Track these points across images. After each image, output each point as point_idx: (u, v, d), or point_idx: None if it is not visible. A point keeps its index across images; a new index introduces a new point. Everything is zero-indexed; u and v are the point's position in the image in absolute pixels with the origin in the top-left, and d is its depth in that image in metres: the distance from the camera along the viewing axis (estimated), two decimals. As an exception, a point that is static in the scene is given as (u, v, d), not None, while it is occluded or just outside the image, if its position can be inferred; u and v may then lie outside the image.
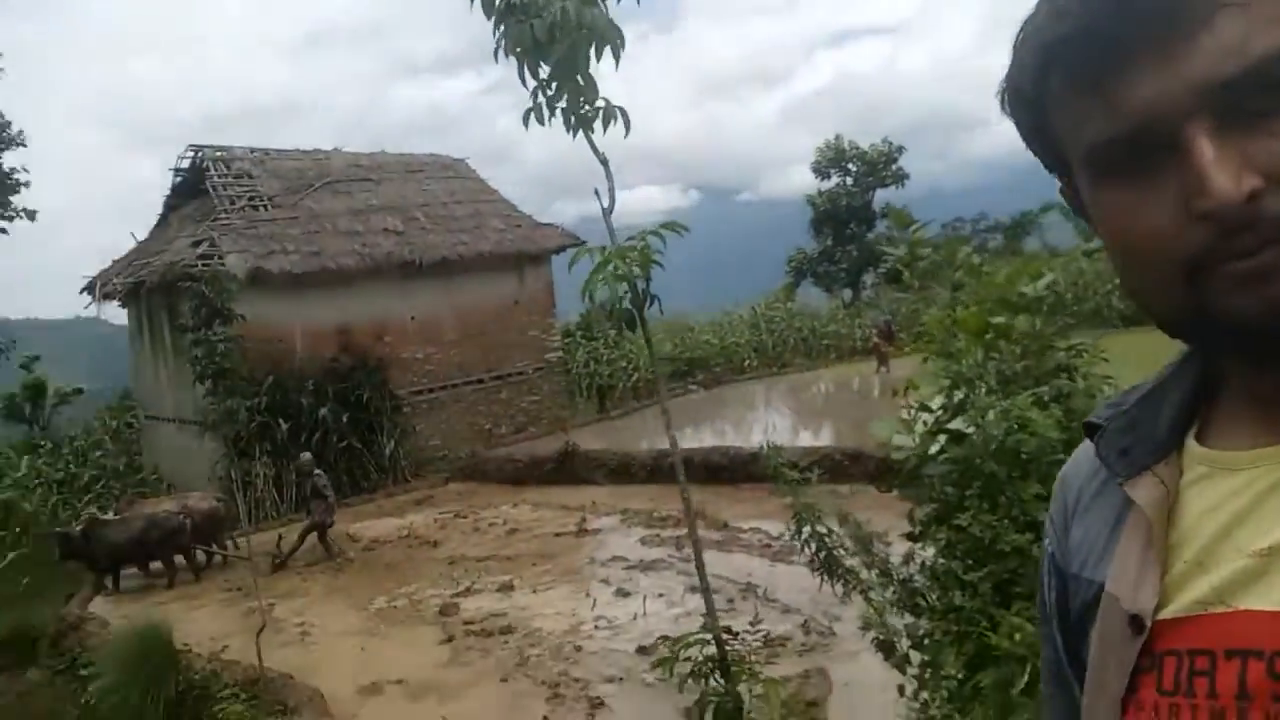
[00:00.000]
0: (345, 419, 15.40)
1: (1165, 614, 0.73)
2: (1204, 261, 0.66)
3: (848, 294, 31.77)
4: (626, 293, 2.50)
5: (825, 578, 4.10)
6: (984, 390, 3.20)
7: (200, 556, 12.00)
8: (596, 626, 8.19)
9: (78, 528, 11.67)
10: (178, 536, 11.64)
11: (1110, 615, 0.76)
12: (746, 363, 23.39)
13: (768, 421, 17.01)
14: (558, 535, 11.43)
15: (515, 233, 18.72)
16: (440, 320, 17.30)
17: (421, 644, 8.52)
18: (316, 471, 11.91)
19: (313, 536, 11.70)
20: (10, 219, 21.53)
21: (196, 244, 15.29)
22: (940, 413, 3.41)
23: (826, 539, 4.04)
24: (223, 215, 15.96)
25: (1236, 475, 0.73)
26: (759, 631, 7.51)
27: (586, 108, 2.39)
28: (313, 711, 7.45)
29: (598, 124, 2.49)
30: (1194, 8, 0.64)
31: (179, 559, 11.78)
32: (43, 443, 16.67)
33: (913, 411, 3.49)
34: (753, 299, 28.23)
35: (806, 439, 14.77)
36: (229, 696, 7.93)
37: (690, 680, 3.03)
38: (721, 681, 2.92)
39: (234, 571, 11.65)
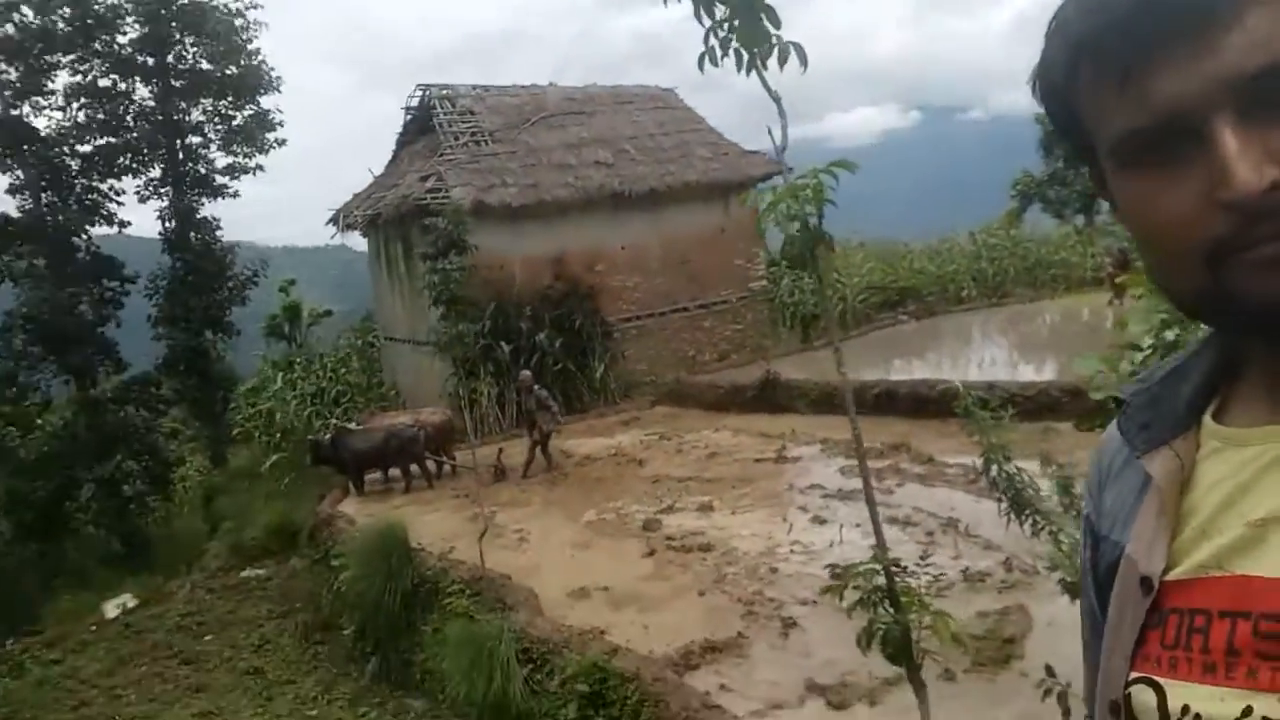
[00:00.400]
0: (560, 344, 16.23)
1: (1171, 576, 0.79)
2: (1225, 248, 0.70)
3: (1079, 220, 29.50)
4: (799, 231, 2.56)
5: (1014, 517, 4.04)
6: (1199, 332, 3.02)
7: (432, 465, 13.11)
8: (792, 550, 8.35)
9: (327, 436, 13.01)
10: (413, 446, 12.78)
11: (1127, 575, 0.83)
12: (964, 293, 22.39)
13: (983, 355, 16.34)
14: (757, 461, 11.62)
15: (722, 161, 18.71)
16: (648, 250, 17.70)
17: (626, 555, 8.97)
18: (536, 386, 12.69)
19: (540, 448, 12.51)
20: (266, 153, 23.80)
21: (425, 179, 16.38)
22: (1149, 352, 3.26)
23: (1016, 479, 3.97)
24: (448, 151, 16.97)
25: (1245, 450, 0.77)
26: (959, 566, 7.41)
27: (759, 48, 2.43)
28: (528, 610, 8.11)
29: (772, 61, 2.53)
30: (1222, 3, 0.67)
31: (414, 467, 12.94)
32: (298, 360, 18.56)
33: (1121, 349, 3.35)
34: (974, 225, 26.80)
35: (1027, 374, 14.09)
36: (455, 592, 8.77)
37: (859, 608, 3.12)
38: (890, 610, 3.00)
39: (461, 480, 12.67)
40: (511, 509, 11.21)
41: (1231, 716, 0.72)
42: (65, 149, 21.28)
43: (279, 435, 15.70)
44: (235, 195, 23.68)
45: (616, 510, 10.47)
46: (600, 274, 17.22)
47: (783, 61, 2.50)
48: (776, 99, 2.55)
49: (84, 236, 21.01)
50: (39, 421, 18.45)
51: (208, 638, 10.60)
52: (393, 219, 17.00)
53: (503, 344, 15.81)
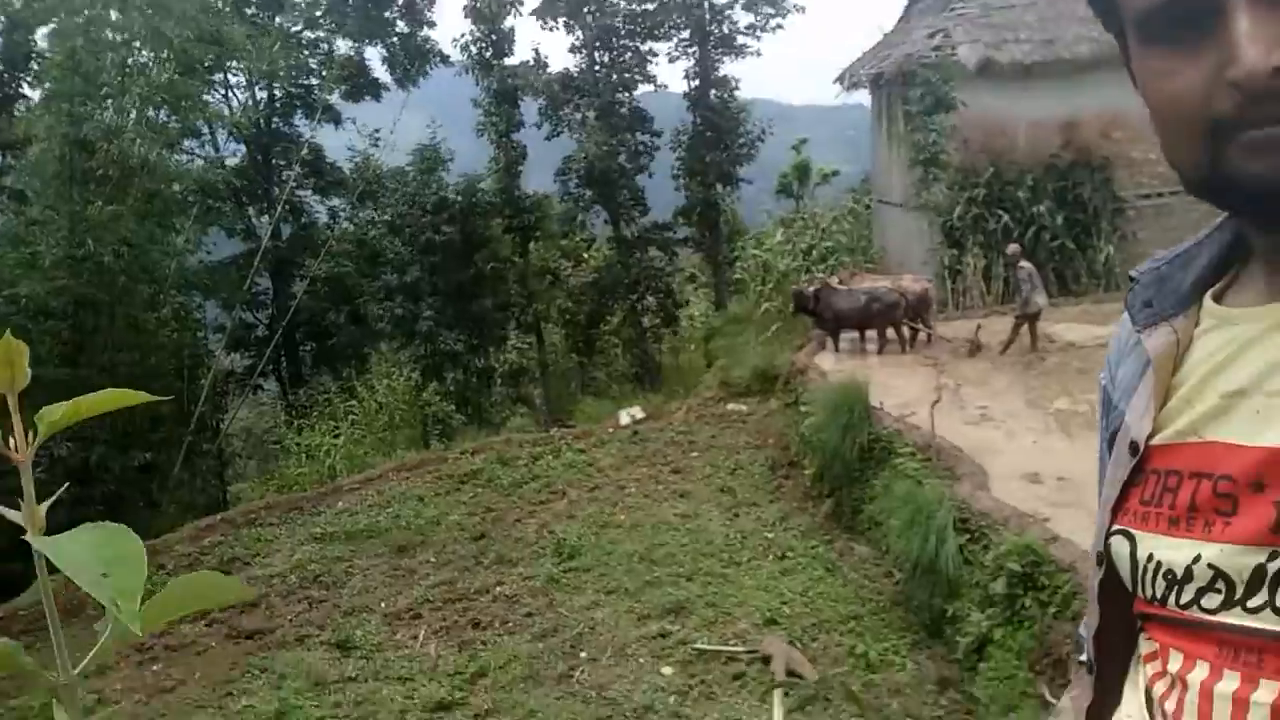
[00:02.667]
0: (1061, 219, 15.17)
1: (1156, 441, 0.88)
2: (1227, 125, 0.73)
3: None
4: None
5: None
6: None
7: (908, 332, 13.38)
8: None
9: (811, 289, 13.83)
10: (892, 312, 13.12)
11: (1122, 439, 0.91)
12: None
13: None
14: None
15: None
16: (1181, 116, 15.49)
17: (1092, 449, 8.61)
18: (1024, 262, 12.20)
19: (1025, 327, 12.15)
20: (785, 15, 24.65)
21: (931, 35, 15.90)
22: None
23: None
24: (959, 5, 16.21)
25: (1234, 328, 0.84)
26: None
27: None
28: (972, 483, 8.32)
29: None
30: None
31: (890, 331, 13.34)
32: (799, 216, 19.61)
33: None
34: None
35: None
36: (906, 454, 9.22)
37: None
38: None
39: (934, 350, 12.82)
40: (978, 385, 11.19)
41: (1184, 563, 0.81)
42: (617, 12, 24.05)
43: (771, 286, 16.99)
44: (757, 54, 25.03)
45: (1091, 403, 9.96)
46: (1117, 142, 15.51)
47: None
48: None
49: (626, 93, 23.88)
50: (585, 256, 22.02)
51: (694, 455, 12.33)
52: (894, 78, 16.85)
53: (997, 214, 15.22)
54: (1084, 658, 1.07)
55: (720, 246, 22.36)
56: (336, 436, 15.48)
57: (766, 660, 7.72)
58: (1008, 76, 15.31)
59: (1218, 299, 0.88)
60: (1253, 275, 0.86)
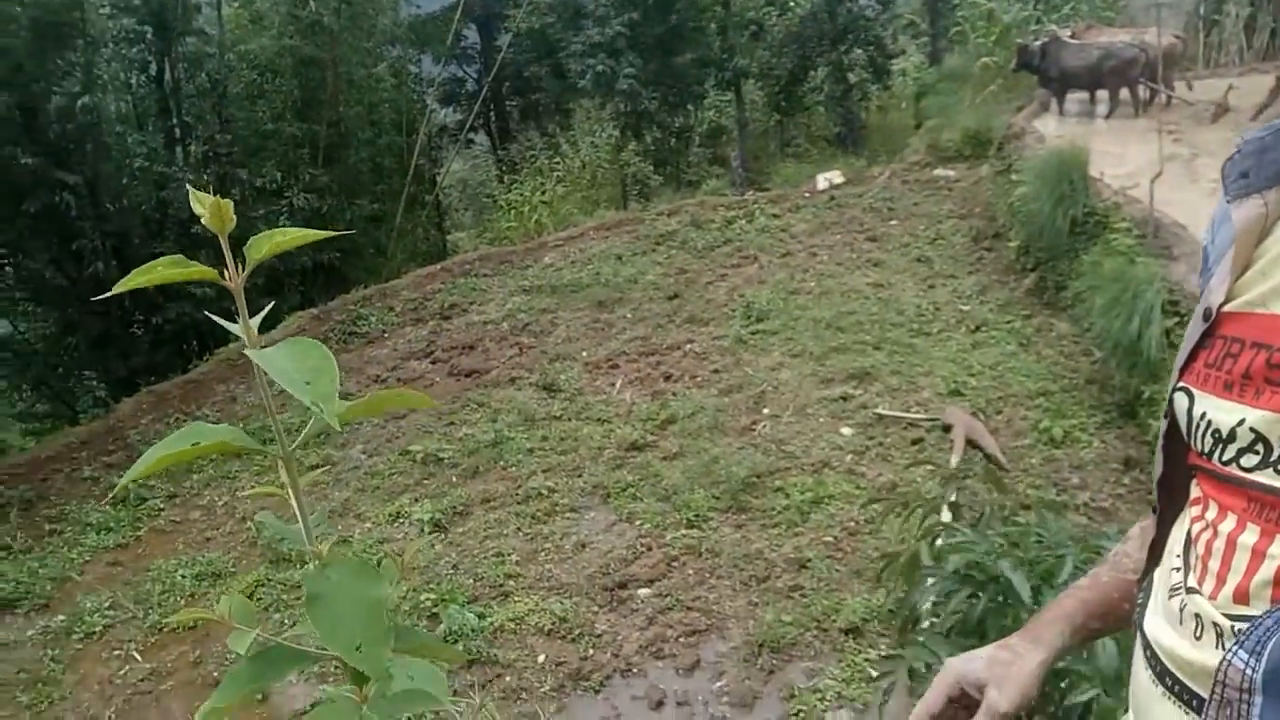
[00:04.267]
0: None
1: (1228, 308, 0.91)
2: None
3: None
4: None
5: None
6: None
7: (1144, 93, 12.12)
8: None
9: (1038, 43, 12.63)
10: (1129, 69, 11.85)
11: (1200, 303, 0.96)
12: None
13: None
14: None
15: None
16: None
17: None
18: None
19: None
20: None
21: None
22: None
23: None
24: None
25: None
26: None
27: None
28: (1190, 265, 7.80)
29: None
30: None
31: (1124, 92, 12.12)
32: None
33: None
34: None
35: None
36: (1121, 230, 8.69)
37: None
38: None
39: (1172, 114, 11.61)
40: (1216, 156, 10.14)
41: (1230, 424, 0.87)
42: None
43: (994, 39, 15.57)
44: None
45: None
46: None
47: None
48: None
49: None
50: (791, 5, 20.73)
51: (892, 222, 12.06)
52: None
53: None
54: (1152, 501, 1.15)
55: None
56: (543, 193, 16.10)
57: (947, 429, 7.90)
58: None
59: None
60: None
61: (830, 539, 6.95)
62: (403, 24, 19.38)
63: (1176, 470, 1.01)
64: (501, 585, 6.84)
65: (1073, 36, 12.68)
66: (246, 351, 0.94)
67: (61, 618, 6.98)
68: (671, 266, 11.96)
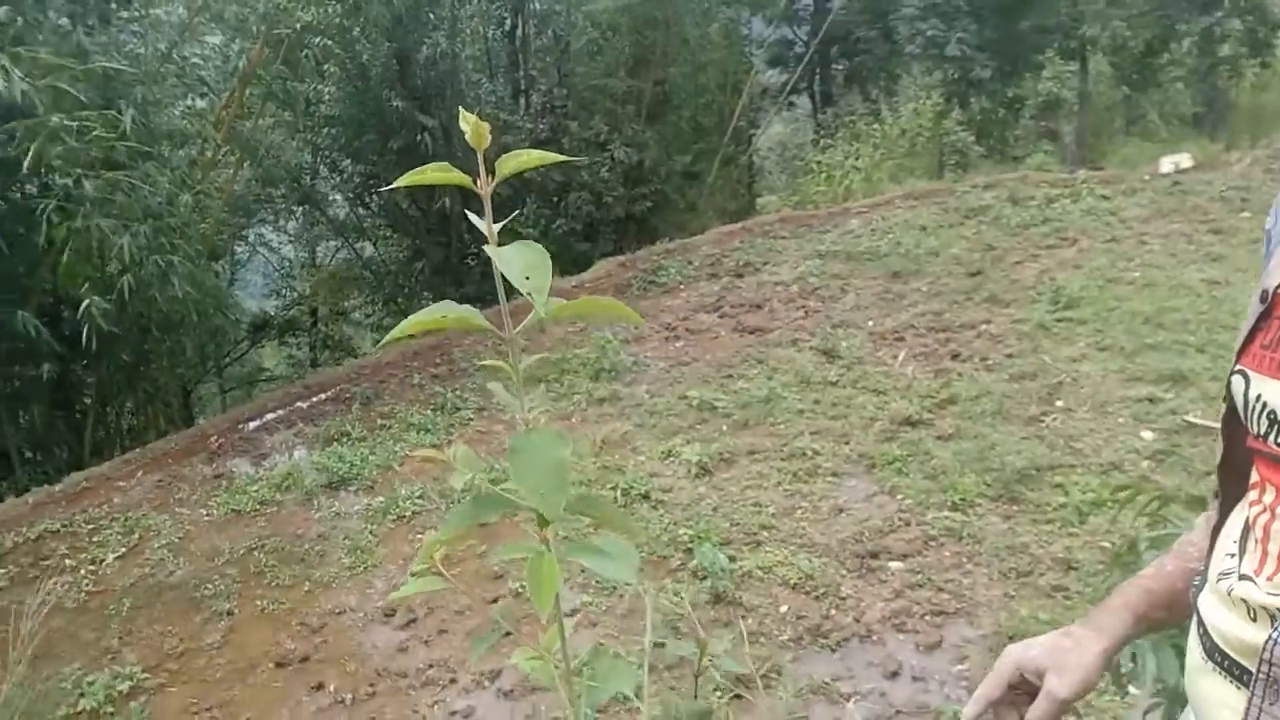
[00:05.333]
0: None
1: None
2: None
3: None
4: None
5: None
6: None
7: None
8: None
9: None
10: None
11: (1259, 285, 0.96)
12: None
13: None
14: None
15: None
16: None
17: None
18: None
19: None
20: None
21: None
22: None
23: None
24: None
25: None
26: None
27: None
28: None
29: None
30: None
31: None
32: None
33: None
34: None
35: None
36: None
37: None
38: None
39: None
40: None
41: None
42: None
43: None
44: None
45: None
46: None
47: None
48: None
49: None
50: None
51: (1244, 214, 10.71)
52: None
53: None
54: (1214, 486, 1.12)
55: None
56: (856, 159, 15.89)
57: (1270, 448, 7.04)
58: None
59: None
60: None
61: (1107, 544, 6.48)
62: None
63: (1236, 455, 0.99)
64: (755, 534, 7.07)
65: None
66: (485, 248, 1.15)
67: (381, 499, 8.12)
68: (979, 242, 11.43)
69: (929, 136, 16.73)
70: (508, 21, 16.36)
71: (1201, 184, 11.62)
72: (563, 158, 1.40)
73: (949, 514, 7.02)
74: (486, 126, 1.28)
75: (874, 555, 6.80)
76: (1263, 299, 0.95)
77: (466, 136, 1.28)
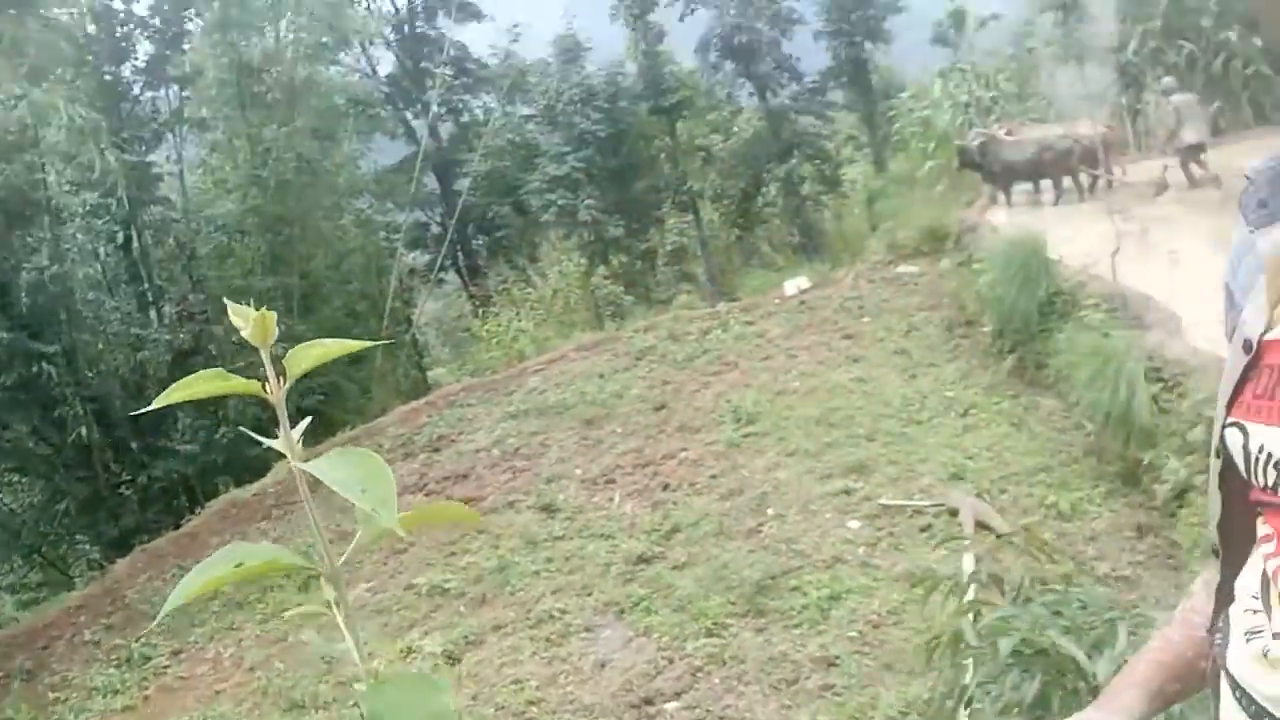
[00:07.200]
0: (1255, 43, 13.87)
1: (1270, 336, 0.88)
2: None
3: None
4: None
5: None
6: None
7: (1085, 179, 12.77)
8: None
9: (976, 143, 13.32)
10: (1066, 159, 12.54)
11: (1238, 335, 0.92)
12: None
13: None
14: None
15: None
16: None
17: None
18: (1172, 97, 11.60)
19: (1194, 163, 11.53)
20: None
21: None
22: None
23: None
24: None
25: None
26: None
27: None
28: (1164, 332, 8.08)
29: None
30: None
31: (1066, 180, 12.76)
32: (958, 67, 18.59)
33: None
34: None
35: None
36: (1090, 306, 9.00)
37: None
38: None
39: (1116, 196, 12.20)
40: (1168, 229, 10.63)
41: None
42: None
43: (934, 144, 16.39)
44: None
45: (1296, 236, 9.32)
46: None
47: None
48: None
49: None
50: (735, 130, 21.73)
51: (865, 320, 12.35)
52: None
53: (1178, 45, 14.05)
54: (1212, 544, 1.11)
55: (875, 105, 21.55)
56: (520, 321, 16.34)
57: (954, 513, 7.92)
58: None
59: None
60: None
61: (855, 634, 6.85)
62: (364, 177, 19.97)
63: (1236, 510, 0.96)
64: (524, 713, 6.62)
65: (1007, 134, 13.42)
66: (294, 465, 0.90)
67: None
68: (655, 379, 12.08)
69: (581, 293, 17.69)
70: (120, 235, 15.14)
71: (823, 300, 13.29)
72: (362, 343, 1.09)
73: (706, 641, 7.05)
74: (272, 317, 0.97)
75: (649, 701, 6.62)
76: (1247, 349, 0.90)
77: (244, 333, 0.95)
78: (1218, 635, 0.99)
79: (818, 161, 18.17)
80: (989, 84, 17.27)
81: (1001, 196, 13.36)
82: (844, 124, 23.09)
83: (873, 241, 15.20)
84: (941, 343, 11.20)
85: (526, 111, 21.76)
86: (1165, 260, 9.75)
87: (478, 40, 23.80)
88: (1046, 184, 12.98)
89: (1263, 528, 0.91)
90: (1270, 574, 0.88)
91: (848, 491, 8.62)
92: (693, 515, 8.77)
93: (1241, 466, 0.90)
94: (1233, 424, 0.90)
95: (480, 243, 23.21)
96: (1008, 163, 12.97)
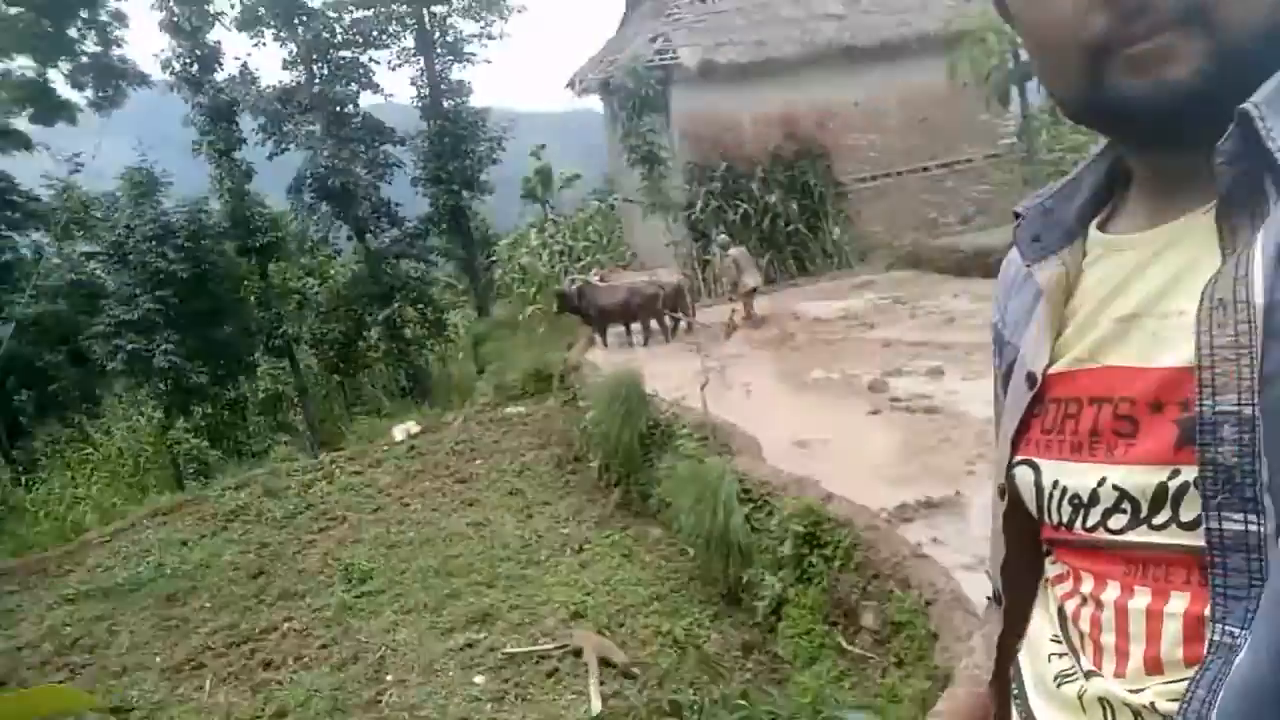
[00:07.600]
0: (793, 205, 16.37)
1: (1054, 370, 0.88)
2: (1103, 46, 0.73)
3: None
4: (995, 67, 2.63)
5: None
6: None
7: (669, 322, 13.97)
8: (1013, 415, 8.41)
9: (574, 288, 14.12)
10: (652, 303, 13.67)
11: (1019, 372, 0.92)
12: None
13: None
14: (991, 327, 11.48)
15: (967, 9, 17.55)
16: (884, 105, 17.05)
17: (850, 413, 9.39)
18: (730, 251, 13.62)
19: (755, 303, 13.20)
20: (507, 19, 24.81)
21: (653, 39, 16.60)
22: None
23: None
24: (674, 10, 16.98)
25: (1123, 254, 0.84)
26: None
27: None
28: (749, 455, 8.85)
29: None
30: None
31: (654, 322, 13.87)
32: (549, 220, 19.88)
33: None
34: None
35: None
36: (684, 435, 9.65)
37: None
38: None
39: (696, 336, 13.44)
40: (740, 363, 11.88)
41: (1090, 487, 0.81)
42: (330, 21, 23.13)
43: (535, 289, 17.15)
44: (487, 62, 25.08)
45: (843, 371, 10.84)
46: (832, 132, 16.94)
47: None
48: None
49: (354, 104, 23.10)
50: (332, 273, 21.14)
51: (477, 462, 12.23)
52: (620, 83, 17.45)
53: (735, 205, 16.19)
54: (990, 593, 1.09)
55: (475, 252, 22.23)
56: (77, 488, 13.97)
57: (578, 653, 7.82)
58: (728, 76, 16.18)
59: (1102, 228, 0.89)
60: (1134, 201, 0.87)
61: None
62: None
63: (1022, 552, 0.96)
64: None
65: (601, 280, 14.40)
66: None
67: None
68: (250, 542, 10.85)
69: (155, 450, 15.66)
70: None
71: (433, 444, 12.99)
72: None
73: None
74: None
75: None
76: (1030, 383, 0.89)
77: None
78: (1013, 685, 0.96)
79: (421, 305, 18.14)
80: (578, 234, 18.57)
81: (599, 338, 14.15)
82: (445, 270, 23.48)
83: (480, 384, 15.31)
84: (553, 480, 11.36)
85: (88, 249, 19.44)
86: (741, 392, 10.86)
87: (27, 171, 21.09)
88: (637, 326, 14.00)
89: (1054, 567, 0.90)
90: (1070, 613, 0.86)
91: (471, 644, 8.19)
92: (301, 694, 7.79)
93: (1032, 504, 0.89)
94: (1021, 462, 0.89)
95: (24, 398, 19.87)
96: (602, 307, 13.83)
